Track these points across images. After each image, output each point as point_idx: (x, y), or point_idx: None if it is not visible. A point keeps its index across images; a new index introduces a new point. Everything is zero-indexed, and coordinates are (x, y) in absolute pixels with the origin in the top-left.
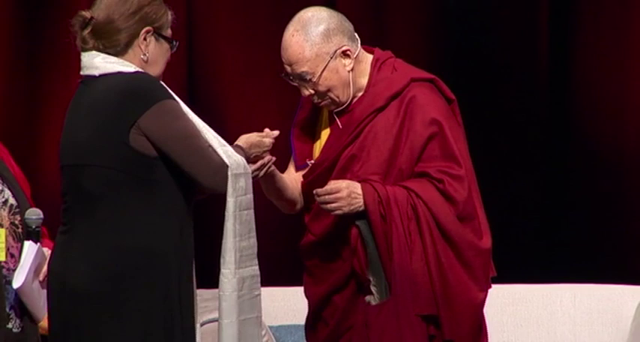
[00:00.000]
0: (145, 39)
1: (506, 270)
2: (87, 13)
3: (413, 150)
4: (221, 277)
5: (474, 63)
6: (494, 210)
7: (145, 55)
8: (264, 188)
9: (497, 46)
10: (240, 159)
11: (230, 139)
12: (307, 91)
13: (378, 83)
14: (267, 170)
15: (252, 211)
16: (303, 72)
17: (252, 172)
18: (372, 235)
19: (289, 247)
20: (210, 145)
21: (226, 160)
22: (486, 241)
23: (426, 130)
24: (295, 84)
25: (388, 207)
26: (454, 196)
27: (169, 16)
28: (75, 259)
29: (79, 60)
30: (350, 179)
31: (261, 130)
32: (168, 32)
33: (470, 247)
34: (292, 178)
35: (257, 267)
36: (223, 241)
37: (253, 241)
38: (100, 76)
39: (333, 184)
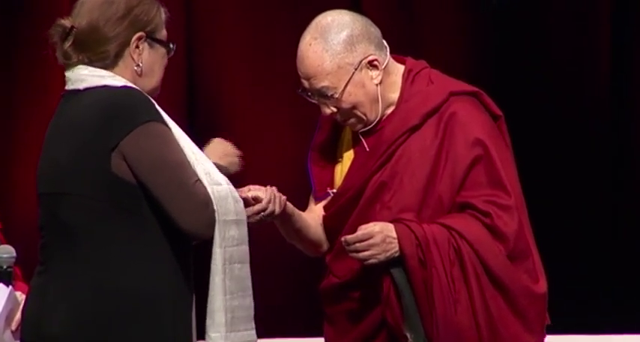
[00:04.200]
0: (137, 47)
1: (560, 317)
2: (67, 22)
3: (454, 176)
4: (209, 341)
5: (523, 72)
6: (546, 245)
7: (138, 65)
8: (282, 230)
9: (549, 51)
10: (233, 204)
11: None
12: (329, 109)
13: (412, 98)
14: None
15: (247, 266)
16: (323, 87)
17: (267, 209)
18: (410, 284)
19: (307, 291)
20: (198, 180)
21: (214, 202)
22: (542, 285)
23: (469, 152)
24: (314, 101)
25: (427, 250)
26: (504, 231)
27: (163, 14)
28: (52, 303)
29: (62, 73)
30: (379, 211)
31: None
32: (163, 33)
33: (524, 294)
34: (315, 215)
35: (254, 332)
36: (210, 300)
37: (249, 301)
38: (85, 89)
39: (364, 229)
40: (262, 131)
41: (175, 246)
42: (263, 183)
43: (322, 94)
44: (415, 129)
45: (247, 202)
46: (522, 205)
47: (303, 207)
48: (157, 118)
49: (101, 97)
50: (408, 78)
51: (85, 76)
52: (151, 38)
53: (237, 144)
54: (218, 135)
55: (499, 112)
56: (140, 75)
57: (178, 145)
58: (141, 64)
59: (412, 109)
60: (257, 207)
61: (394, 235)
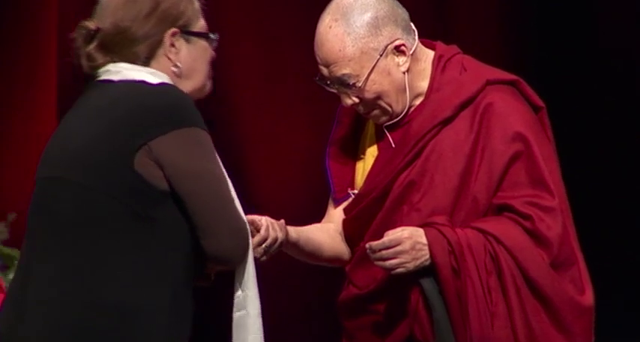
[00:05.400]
0: (172, 45)
1: (606, 333)
2: (91, 24)
3: (491, 175)
4: None
5: (567, 58)
6: (591, 253)
7: (177, 66)
8: (292, 255)
9: (596, 34)
10: None
11: (249, 168)
12: (350, 100)
13: (443, 87)
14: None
15: None
16: (344, 75)
17: (268, 238)
18: (441, 295)
19: (322, 303)
20: (234, 200)
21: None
22: (589, 296)
23: (507, 148)
24: (334, 90)
25: (461, 258)
26: (547, 236)
27: (195, 2)
28: (30, 315)
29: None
30: (407, 213)
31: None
32: (201, 24)
33: (569, 307)
34: (331, 226)
35: None
36: (242, 338)
37: None
38: (120, 82)
39: (392, 235)
40: (275, 128)
41: (182, 261)
42: (277, 186)
43: (343, 83)
44: (447, 122)
45: None
46: (566, 207)
47: (320, 212)
48: (198, 124)
49: (136, 92)
50: (438, 65)
51: (121, 69)
52: (187, 33)
53: (246, 142)
54: (226, 133)
55: (541, 104)
56: (179, 76)
57: (217, 157)
58: (179, 65)
59: (444, 99)
60: (256, 239)
61: (424, 241)
